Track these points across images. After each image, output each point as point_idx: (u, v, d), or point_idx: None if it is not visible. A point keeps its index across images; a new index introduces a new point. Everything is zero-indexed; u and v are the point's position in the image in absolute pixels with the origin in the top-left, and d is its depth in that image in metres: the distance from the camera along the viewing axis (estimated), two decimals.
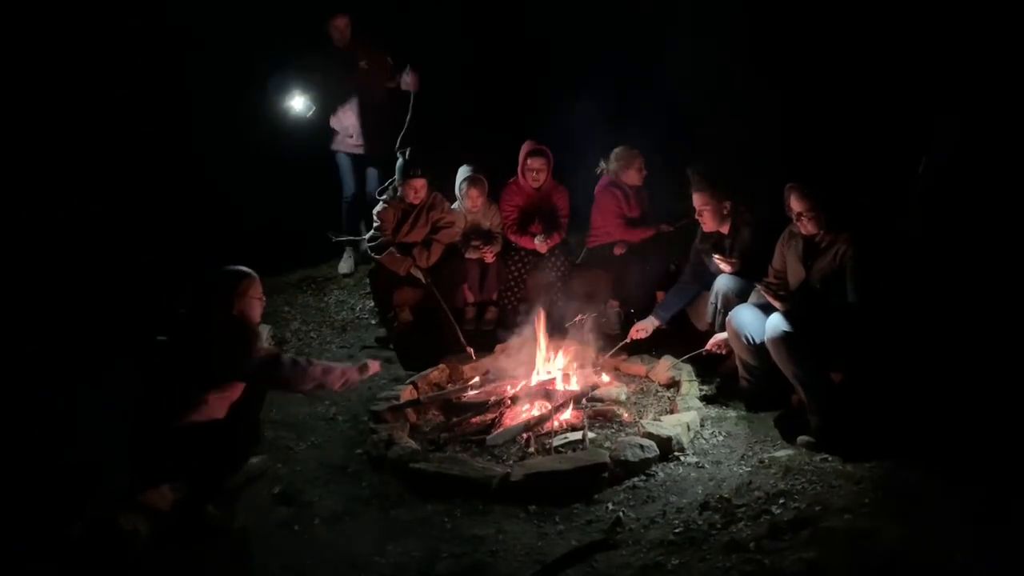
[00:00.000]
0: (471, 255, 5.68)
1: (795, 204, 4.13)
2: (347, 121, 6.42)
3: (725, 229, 4.82)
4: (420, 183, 5.54)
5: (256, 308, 3.74)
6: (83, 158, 6.80)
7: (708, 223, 4.80)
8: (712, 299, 4.77)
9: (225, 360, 3.47)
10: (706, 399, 4.52)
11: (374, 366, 4.06)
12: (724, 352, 4.64)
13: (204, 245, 6.07)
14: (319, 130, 6.43)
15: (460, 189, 5.83)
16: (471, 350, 5.13)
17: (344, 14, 6.21)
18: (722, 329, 4.50)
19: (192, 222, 6.74)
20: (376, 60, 6.37)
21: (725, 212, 4.76)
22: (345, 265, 6.75)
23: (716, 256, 4.75)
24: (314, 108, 6.21)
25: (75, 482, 3.84)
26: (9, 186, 6.36)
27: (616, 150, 5.75)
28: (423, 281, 5.44)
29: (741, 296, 4.55)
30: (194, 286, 3.73)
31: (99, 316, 5.51)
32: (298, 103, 6.16)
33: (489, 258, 5.70)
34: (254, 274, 3.75)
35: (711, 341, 4.65)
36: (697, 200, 4.77)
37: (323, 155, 6.70)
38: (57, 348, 5.12)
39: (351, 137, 6.44)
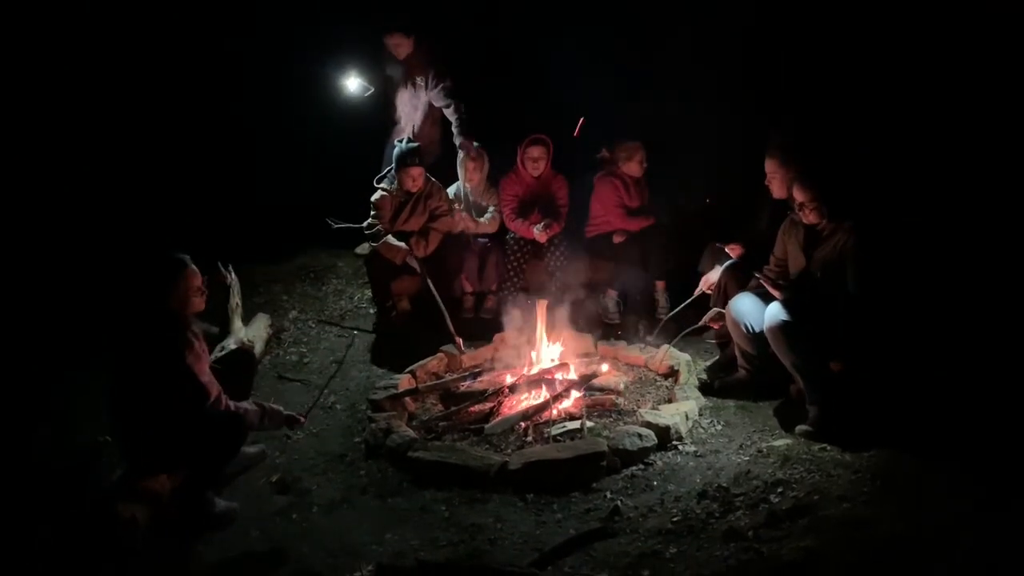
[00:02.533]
0: (458, 216, 5.73)
1: (798, 194, 4.12)
2: (405, 121, 6.29)
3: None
4: (417, 171, 5.52)
5: (195, 302, 3.51)
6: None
7: (776, 190, 4.66)
8: (716, 283, 4.78)
9: (157, 364, 3.33)
10: (704, 381, 4.55)
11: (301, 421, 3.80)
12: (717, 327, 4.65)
13: (203, 227, 6.05)
14: (364, 117, 6.36)
15: (460, 162, 5.84)
16: (460, 340, 5.11)
17: (396, 33, 5.96)
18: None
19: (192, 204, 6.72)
20: (428, 78, 6.10)
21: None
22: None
23: (717, 244, 4.74)
24: (371, 90, 6.15)
25: (73, 470, 3.85)
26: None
27: (619, 141, 5.73)
28: (418, 270, 5.42)
29: (743, 284, 4.54)
30: (127, 275, 3.51)
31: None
32: (353, 83, 6.12)
33: (472, 227, 5.74)
34: (189, 263, 3.49)
35: (704, 280, 4.86)
36: (768, 166, 4.62)
37: (343, 146, 6.68)
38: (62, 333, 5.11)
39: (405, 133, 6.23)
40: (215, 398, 3.46)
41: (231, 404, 3.50)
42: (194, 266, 3.54)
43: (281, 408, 3.77)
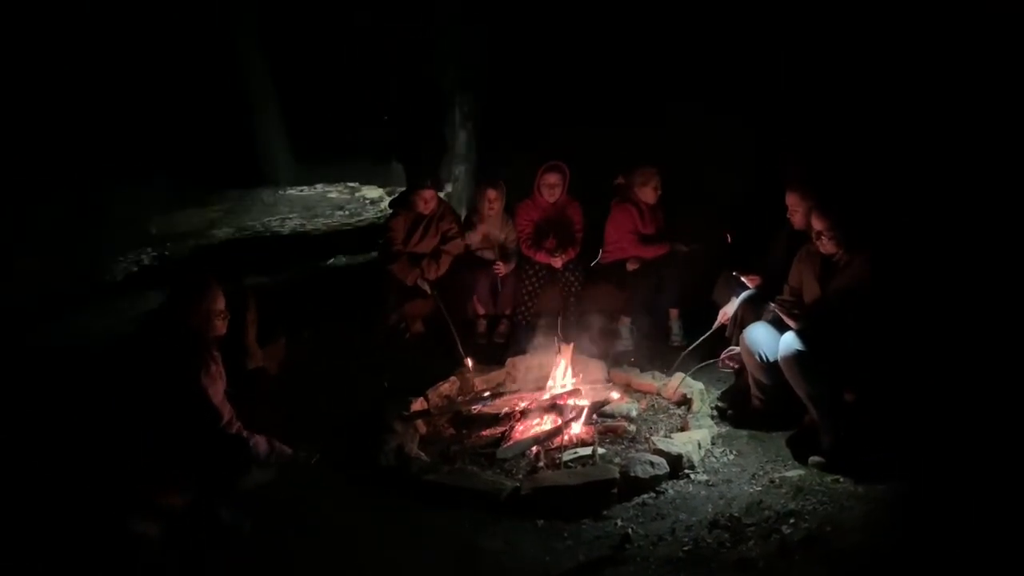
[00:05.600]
0: (483, 255, 5.67)
1: (816, 223, 4.11)
2: None
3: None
4: (430, 194, 5.59)
5: (217, 325, 3.54)
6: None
7: (798, 221, 4.58)
8: (732, 314, 4.77)
9: (172, 383, 3.38)
10: (717, 410, 4.53)
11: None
12: (735, 366, 4.62)
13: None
14: None
15: (478, 191, 5.89)
16: (469, 362, 5.10)
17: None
18: (738, 344, 4.49)
19: None
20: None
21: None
22: None
23: (734, 273, 4.75)
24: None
25: (86, 484, 3.87)
26: None
27: (634, 167, 5.77)
28: (429, 293, 5.46)
29: (759, 314, 4.53)
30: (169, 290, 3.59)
31: None
32: None
33: (500, 271, 5.71)
34: (214, 284, 3.54)
35: (722, 312, 4.82)
36: (789, 199, 4.59)
37: None
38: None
39: None
40: (227, 421, 3.49)
41: (243, 430, 3.53)
42: (218, 288, 3.57)
43: (289, 450, 3.82)
